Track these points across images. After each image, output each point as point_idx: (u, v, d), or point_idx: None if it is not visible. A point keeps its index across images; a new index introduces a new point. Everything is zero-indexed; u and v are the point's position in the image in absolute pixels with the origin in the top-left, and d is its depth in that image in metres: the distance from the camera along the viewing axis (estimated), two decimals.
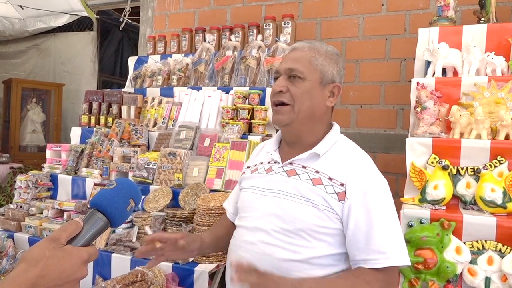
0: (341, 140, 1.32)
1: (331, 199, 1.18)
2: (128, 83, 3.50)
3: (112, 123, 2.97)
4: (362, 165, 1.24)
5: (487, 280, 1.70)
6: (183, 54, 3.36)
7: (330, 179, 1.20)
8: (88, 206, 2.53)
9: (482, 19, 2.28)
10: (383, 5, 3.07)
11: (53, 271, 0.67)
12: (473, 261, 1.73)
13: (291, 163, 1.28)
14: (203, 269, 1.94)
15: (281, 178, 1.26)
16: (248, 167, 1.43)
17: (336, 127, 1.35)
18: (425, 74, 2.26)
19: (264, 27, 3.09)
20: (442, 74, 2.20)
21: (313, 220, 1.17)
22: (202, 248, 1.41)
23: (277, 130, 1.46)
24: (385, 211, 1.18)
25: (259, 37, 3.02)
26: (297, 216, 1.18)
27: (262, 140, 2.42)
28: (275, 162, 1.32)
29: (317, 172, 1.23)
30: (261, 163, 1.37)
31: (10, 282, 0.65)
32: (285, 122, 1.27)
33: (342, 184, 1.19)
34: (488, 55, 2.10)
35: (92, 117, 3.18)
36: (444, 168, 1.89)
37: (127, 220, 2.28)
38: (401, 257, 1.14)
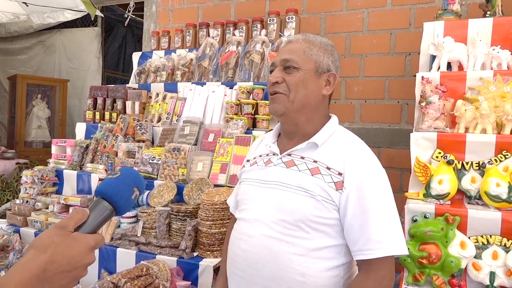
0: (340, 130, 1.32)
1: (329, 188, 1.17)
2: (132, 78, 3.51)
3: (117, 119, 2.99)
4: (360, 154, 1.23)
5: (492, 275, 1.69)
6: (187, 50, 3.36)
7: (328, 168, 1.20)
8: (94, 197, 2.55)
9: (488, 12, 2.26)
10: None
11: (62, 257, 0.68)
12: (477, 256, 1.73)
13: (289, 154, 1.28)
14: (208, 263, 1.95)
15: (280, 170, 1.26)
16: (248, 160, 1.44)
17: (334, 118, 1.35)
18: (430, 68, 2.25)
19: (268, 22, 3.08)
20: (447, 68, 2.19)
21: (311, 210, 1.17)
22: None
23: None
24: (382, 200, 1.17)
25: (263, 32, 3.02)
26: (295, 207, 1.18)
27: None
28: (274, 154, 1.32)
29: (315, 161, 1.23)
30: (260, 156, 1.37)
31: (20, 268, 0.66)
32: (281, 111, 1.27)
33: (340, 174, 1.19)
34: (493, 49, 2.08)
35: (96, 112, 3.19)
36: (449, 163, 1.89)
37: (132, 215, 2.30)
38: (398, 246, 1.14)
